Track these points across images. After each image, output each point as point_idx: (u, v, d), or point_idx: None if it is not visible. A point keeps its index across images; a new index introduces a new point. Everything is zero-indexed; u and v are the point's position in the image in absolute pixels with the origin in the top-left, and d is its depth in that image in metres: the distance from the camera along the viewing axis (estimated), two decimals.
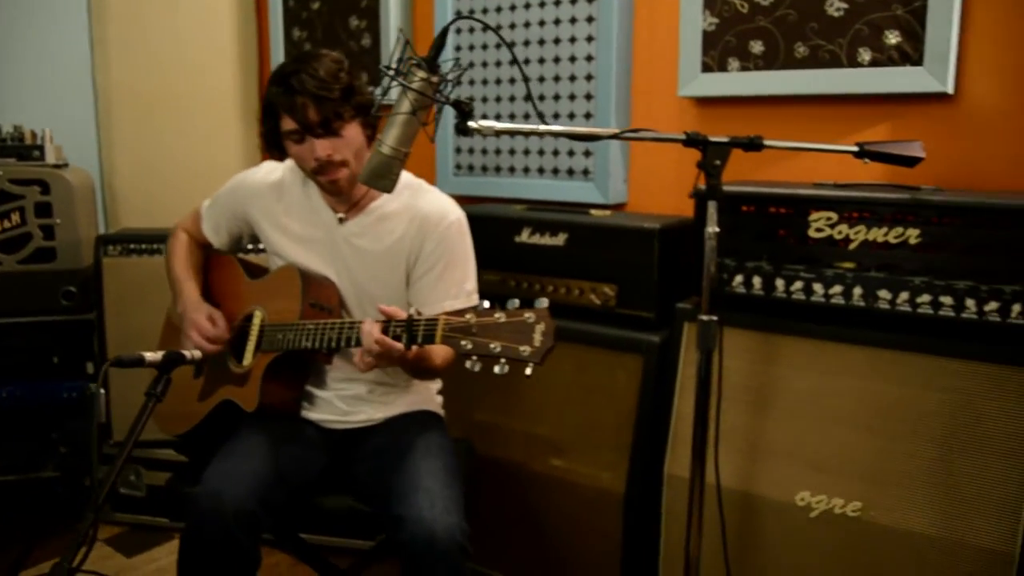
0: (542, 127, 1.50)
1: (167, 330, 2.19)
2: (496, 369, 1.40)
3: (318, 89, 1.75)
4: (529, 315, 1.39)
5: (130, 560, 2.66)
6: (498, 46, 2.57)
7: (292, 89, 1.77)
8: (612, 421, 2.17)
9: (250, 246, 2.34)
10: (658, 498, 2.08)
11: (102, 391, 2.61)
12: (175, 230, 2.16)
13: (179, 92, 3.20)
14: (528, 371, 1.38)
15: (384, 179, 1.45)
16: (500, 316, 1.41)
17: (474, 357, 1.42)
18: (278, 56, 3.30)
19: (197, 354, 1.71)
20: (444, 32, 1.46)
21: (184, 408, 1.99)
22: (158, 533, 2.80)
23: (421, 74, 1.39)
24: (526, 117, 2.55)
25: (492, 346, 1.40)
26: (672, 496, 2.05)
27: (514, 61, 2.48)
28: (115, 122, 3.19)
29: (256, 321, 1.93)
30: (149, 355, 1.62)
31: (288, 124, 1.80)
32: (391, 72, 1.39)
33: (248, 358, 1.91)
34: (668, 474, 2.06)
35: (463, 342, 1.42)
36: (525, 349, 1.38)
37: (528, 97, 1.61)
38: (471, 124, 1.41)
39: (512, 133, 1.55)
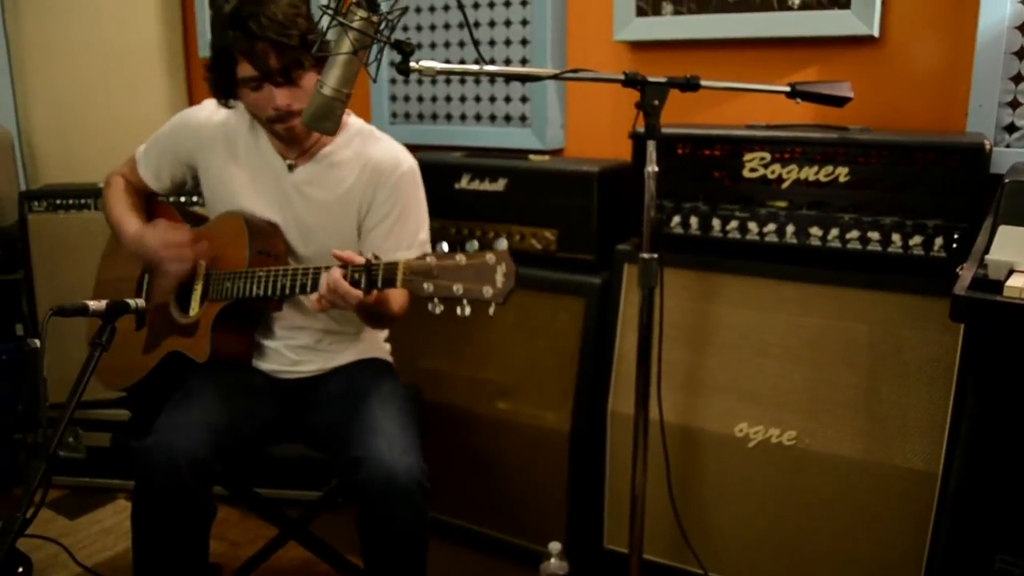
0: (484, 68, 1.49)
1: (100, 286, 2.13)
2: (459, 311, 1.42)
3: (278, 34, 1.67)
4: (490, 256, 1.40)
5: (74, 522, 2.62)
6: None
7: (252, 33, 1.67)
8: (556, 363, 2.21)
9: (183, 199, 2.29)
10: (602, 436, 2.14)
11: (36, 342, 2.52)
12: (110, 177, 2.05)
13: (98, 42, 3.07)
14: (491, 311, 1.40)
15: (326, 121, 1.43)
16: (461, 259, 1.42)
17: (436, 300, 1.43)
18: (203, 2, 3.19)
19: (141, 303, 1.67)
20: None
21: (128, 362, 1.95)
22: (100, 494, 2.76)
23: (361, 13, 1.38)
24: (462, 63, 2.54)
25: (455, 288, 1.41)
26: (616, 433, 2.12)
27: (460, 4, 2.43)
28: (30, 75, 3.04)
29: (201, 270, 1.88)
30: (93, 303, 1.58)
31: (246, 70, 1.72)
32: (330, 11, 1.37)
33: (195, 308, 1.87)
34: (612, 412, 2.12)
35: (425, 285, 1.43)
36: (488, 290, 1.39)
37: (470, 36, 1.59)
38: (412, 64, 1.40)
39: (453, 74, 1.55)
